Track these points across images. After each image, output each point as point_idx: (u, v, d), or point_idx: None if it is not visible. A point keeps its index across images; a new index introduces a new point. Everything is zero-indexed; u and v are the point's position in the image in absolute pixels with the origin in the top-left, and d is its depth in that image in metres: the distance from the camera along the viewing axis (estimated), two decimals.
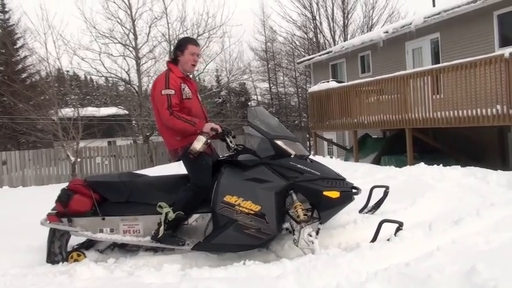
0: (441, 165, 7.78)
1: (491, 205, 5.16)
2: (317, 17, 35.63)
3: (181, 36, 23.02)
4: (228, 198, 4.67)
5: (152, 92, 5.12)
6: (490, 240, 3.93)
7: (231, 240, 4.65)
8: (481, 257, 3.41)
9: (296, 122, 39.85)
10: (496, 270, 2.98)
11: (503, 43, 12.88)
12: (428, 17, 14.86)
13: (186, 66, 5.04)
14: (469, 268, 3.10)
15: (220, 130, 4.88)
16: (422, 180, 6.85)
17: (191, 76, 5.36)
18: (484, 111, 10.17)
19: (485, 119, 10.17)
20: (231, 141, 4.98)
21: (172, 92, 4.81)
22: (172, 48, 23.80)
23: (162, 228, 4.77)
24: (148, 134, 23.55)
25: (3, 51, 32.50)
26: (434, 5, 21.03)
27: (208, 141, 4.78)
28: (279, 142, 4.88)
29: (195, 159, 4.76)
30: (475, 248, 3.79)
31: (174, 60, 5.09)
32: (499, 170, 7.03)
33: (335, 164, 8.04)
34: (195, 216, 4.92)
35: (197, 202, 4.85)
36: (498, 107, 9.87)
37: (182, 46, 5.05)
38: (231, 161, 4.95)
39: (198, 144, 4.69)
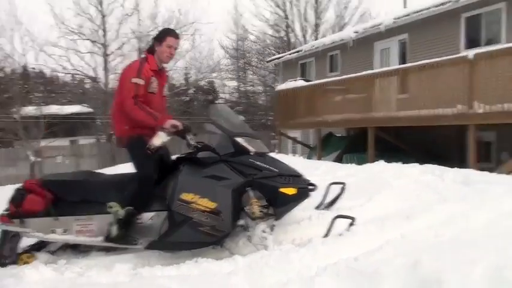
0: (400, 163, 7.87)
1: (445, 201, 5.24)
2: (289, 16, 35.84)
3: (152, 33, 22.90)
4: (184, 196, 4.62)
5: (121, 77, 5.05)
6: (439, 234, 4.00)
7: (185, 238, 4.61)
8: (429, 250, 3.45)
9: (263, 120, 39.89)
10: (440, 263, 3.02)
11: (469, 45, 13.22)
12: (398, 18, 15.10)
13: (162, 57, 5.01)
14: (415, 260, 3.13)
15: (180, 127, 4.84)
16: (381, 178, 6.89)
17: (166, 68, 5.30)
18: (445, 110, 10.38)
19: (446, 119, 10.38)
20: (191, 139, 4.93)
21: (142, 82, 4.79)
22: (141, 45, 23.87)
23: (114, 227, 4.71)
24: (111, 132, 23.25)
25: None
26: (405, 6, 21.34)
27: (167, 139, 4.74)
28: (238, 139, 4.87)
29: (140, 150, 4.71)
30: (423, 241, 3.84)
31: (151, 50, 5.04)
32: (456, 168, 7.15)
33: (297, 162, 8.06)
34: (150, 214, 4.87)
35: (145, 195, 4.80)
36: (459, 106, 10.10)
37: (161, 37, 5.01)
38: (191, 159, 4.92)
39: (158, 140, 4.65)
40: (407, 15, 14.79)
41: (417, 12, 14.41)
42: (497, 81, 9.51)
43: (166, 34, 5.06)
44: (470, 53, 10.24)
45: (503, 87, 9.39)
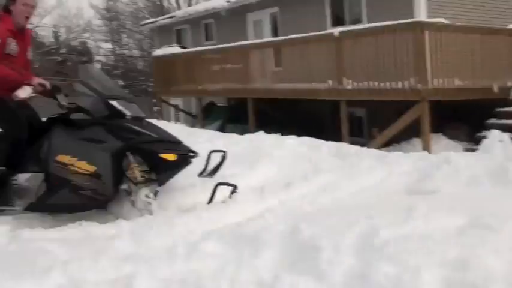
0: (279, 134, 8.19)
1: (319, 171, 5.58)
2: None
3: None
4: (60, 158, 4.46)
5: None
6: (314, 202, 4.28)
7: (65, 200, 4.51)
8: (305, 217, 3.69)
9: (144, 86, 39.02)
10: (316, 228, 3.25)
11: (336, 23, 13.82)
12: None
13: (18, 17, 4.69)
14: (293, 227, 3.35)
15: (48, 86, 4.65)
16: (261, 148, 7.12)
17: (27, 28, 4.96)
18: (318, 85, 10.87)
19: (320, 93, 10.88)
20: (62, 99, 4.74)
21: None
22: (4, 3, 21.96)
23: None
24: None
25: None
26: None
27: (34, 94, 4.55)
28: (113, 102, 4.77)
29: (4, 111, 4.55)
30: (300, 209, 4.10)
31: (6, 9, 4.70)
32: (330, 141, 7.58)
33: (180, 130, 8.05)
34: (26, 175, 4.67)
35: (16, 154, 4.61)
36: (330, 82, 10.61)
37: None
38: (64, 120, 4.76)
39: (23, 93, 4.51)
40: None
41: None
42: (361, 60, 10.05)
43: None
44: (336, 30, 10.71)
45: (366, 65, 9.94)
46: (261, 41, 13.31)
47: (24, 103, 4.74)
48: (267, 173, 5.84)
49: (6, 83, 4.53)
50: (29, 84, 4.52)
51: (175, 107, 19.32)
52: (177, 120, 19.02)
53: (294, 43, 11.54)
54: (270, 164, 6.20)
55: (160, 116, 16.97)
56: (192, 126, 14.33)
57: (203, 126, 14.24)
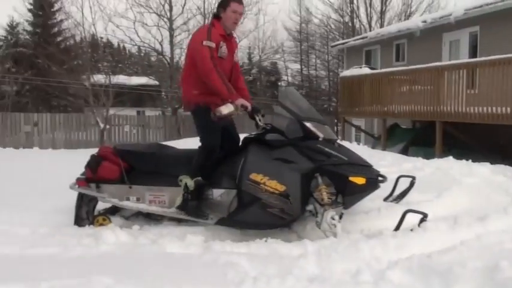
0: (470, 160, 7.69)
1: None
2: (355, 1, 35.15)
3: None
4: (254, 176, 4.69)
5: (191, 42, 5.11)
6: None
7: (254, 218, 4.69)
8: (506, 254, 3.38)
9: (325, 106, 39.60)
10: None
11: None
12: (469, 9, 14.54)
13: (227, 23, 5.01)
14: (492, 265, 3.08)
15: (249, 108, 4.88)
16: (450, 174, 6.76)
17: (234, 34, 5.32)
18: None
19: None
20: (260, 120, 4.98)
21: (213, 45, 4.81)
22: (206, 21, 24.08)
23: (179, 198, 4.88)
24: (176, 106, 23.66)
25: (41, 13, 32.91)
26: None
27: (235, 113, 4.79)
28: (308, 124, 4.86)
29: (204, 120, 4.83)
30: (499, 245, 3.76)
31: (217, 17, 5.06)
32: None
33: (362, 151, 7.97)
34: (220, 191, 4.96)
35: (209, 165, 4.90)
36: None
37: (224, 3, 5.00)
38: (259, 140, 4.98)
39: (226, 109, 4.67)
40: (480, 6, 14.20)
41: (489, 4, 13.82)
42: None
43: (231, 0, 5.02)
44: None
45: None
46: (457, 62, 12.63)
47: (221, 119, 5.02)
48: (457, 202, 5.49)
49: (215, 92, 4.82)
50: (232, 103, 4.76)
51: (358, 127, 19.25)
52: (357, 140, 18.90)
53: (494, 64, 10.74)
54: (461, 193, 5.82)
55: (341, 136, 17.03)
56: (373, 147, 14.13)
57: (384, 148, 13.95)
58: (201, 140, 4.98)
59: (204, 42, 4.79)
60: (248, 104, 4.85)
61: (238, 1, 5.05)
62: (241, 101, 4.79)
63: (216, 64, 4.76)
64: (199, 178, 4.86)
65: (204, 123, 4.92)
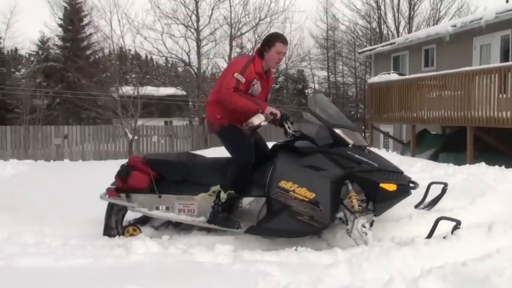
0: (503, 166, 7.53)
1: None
2: (382, 7, 35.01)
3: (243, 20, 23.11)
4: (283, 184, 4.67)
5: (226, 69, 5.17)
6: None
7: (284, 225, 4.66)
8: None
9: (352, 112, 39.40)
10: None
11: None
12: (501, 13, 14.30)
13: (269, 62, 5.01)
14: None
15: (279, 115, 4.86)
16: (483, 180, 6.64)
17: (272, 72, 5.30)
18: None
19: None
20: (289, 127, 4.96)
21: (243, 80, 4.79)
22: (233, 31, 24.29)
23: (217, 210, 4.88)
24: (204, 115, 23.80)
25: (70, 28, 33.61)
26: (507, 1, 20.22)
27: (265, 122, 4.78)
28: (337, 131, 4.82)
29: (231, 136, 4.84)
30: None
31: (260, 54, 5.02)
32: None
33: (391, 157, 7.88)
34: (249, 199, 4.95)
35: (244, 180, 4.89)
36: None
37: (270, 42, 4.95)
38: (288, 147, 4.95)
39: (257, 120, 4.68)
40: (511, 10, 13.97)
41: None
42: None
43: (276, 40, 4.98)
44: None
45: None
46: (486, 67, 12.40)
47: (253, 130, 5.01)
48: (491, 209, 5.37)
49: (243, 113, 4.81)
50: (262, 113, 4.76)
51: (386, 133, 19.06)
52: (386, 147, 18.72)
53: None
54: (495, 199, 5.70)
55: (370, 142, 16.88)
56: (402, 153, 13.96)
57: (414, 155, 13.77)
58: (233, 157, 4.97)
59: (235, 75, 4.80)
60: (277, 111, 4.84)
61: (283, 41, 5.02)
62: (270, 109, 4.79)
63: (238, 89, 4.76)
64: (232, 192, 4.85)
65: (233, 140, 4.94)
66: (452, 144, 13.52)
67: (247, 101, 4.77)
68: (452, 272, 3.32)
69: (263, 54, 4.97)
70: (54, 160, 17.40)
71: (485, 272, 3.19)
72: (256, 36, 23.10)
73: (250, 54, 5.22)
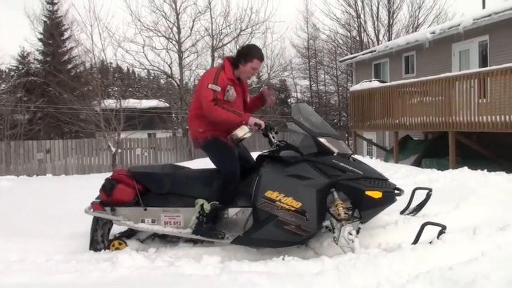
0: (485, 170, 7.61)
1: None
2: (361, 16, 35.33)
3: (224, 31, 23.16)
4: (269, 194, 4.67)
5: (199, 83, 5.17)
6: None
7: (270, 235, 4.65)
8: None
9: (335, 120, 39.60)
10: None
11: None
12: (478, 19, 14.53)
13: (242, 75, 5.05)
14: None
15: (263, 126, 4.88)
16: (466, 185, 6.71)
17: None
18: None
19: None
20: (273, 137, 4.98)
21: (219, 89, 4.82)
22: (215, 42, 24.36)
23: (193, 218, 4.85)
24: (187, 127, 23.72)
25: (51, 42, 33.39)
26: (484, 7, 20.55)
27: (250, 134, 4.78)
28: (322, 139, 4.84)
29: (216, 149, 4.83)
30: None
31: (233, 62, 5.04)
32: None
33: (375, 165, 7.97)
34: (236, 210, 4.94)
35: (230, 191, 4.87)
36: None
37: (248, 57, 4.98)
38: (273, 157, 4.96)
39: (241, 132, 4.71)
40: (488, 15, 14.17)
41: (498, 13, 13.78)
42: None
43: (254, 56, 5.00)
44: None
45: None
46: (466, 72, 12.56)
47: (238, 142, 5.01)
48: (475, 212, 5.44)
49: (226, 124, 4.84)
50: (246, 124, 4.78)
51: (369, 141, 19.19)
52: (369, 154, 18.84)
53: (505, 72, 10.65)
54: (478, 203, 5.78)
55: (353, 150, 16.95)
56: (385, 160, 14.07)
57: (397, 161, 13.87)
58: (220, 169, 4.96)
59: (210, 86, 4.83)
60: (261, 122, 4.86)
61: (260, 59, 5.07)
62: (253, 120, 4.81)
63: (218, 102, 4.79)
64: (217, 202, 4.83)
65: (218, 152, 4.93)
66: (435, 149, 13.66)
67: (229, 114, 4.79)
68: (439, 276, 3.34)
69: (237, 64, 5.00)
70: (37, 175, 17.26)
71: (472, 275, 3.23)
72: (237, 47, 23.14)
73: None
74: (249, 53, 5.02)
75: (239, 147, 5.07)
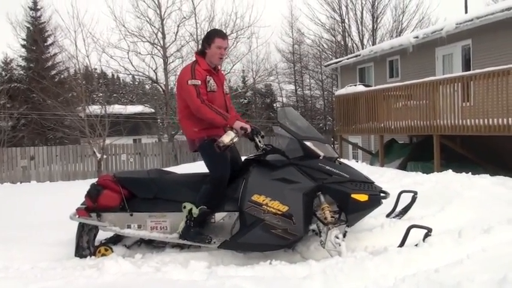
0: (469, 173, 7.68)
1: None
2: (346, 20, 35.50)
3: None
4: (255, 198, 4.67)
5: (178, 83, 5.16)
6: None
7: (257, 239, 4.65)
8: None
9: (321, 125, 39.69)
10: None
11: None
12: (461, 23, 14.68)
13: (212, 59, 5.06)
14: (501, 277, 3.05)
15: (249, 130, 4.88)
16: (451, 188, 6.75)
17: (220, 68, 5.36)
18: None
19: None
20: (259, 141, 4.98)
21: (199, 82, 4.85)
22: (199, 47, 24.18)
23: (182, 223, 4.83)
24: (173, 132, 23.70)
25: (34, 48, 33.15)
26: (466, 12, 20.78)
27: (236, 139, 4.79)
28: (308, 143, 4.86)
29: (211, 152, 4.79)
30: (506, 257, 3.72)
31: (201, 53, 5.11)
32: None
33: (361, 168, 7.97)
34: (222, 214, 4.93)
35: (219, 195, 4.87)
36: None
37: (209, 39, 5.06)
38: (259, 161, 4.96)
39: (227, 138, 4.69)
40: (470, 20, 14.33)
41: (480, 17, 13.95)
42: None
43: (215, 35, 5.11)
44: None
45: None
46: (449, 76, 12.67)
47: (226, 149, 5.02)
48: (460, 215, 5.48)
49: (210, 124, 4.87)
50: (231, 129, 4.77)
51: (355, 144, 19.28)
52: (355, 158, 18.92)
53: (488, 76, 10.77)
54: (463, 206, 5.81)
55: (339, 154, 17.01)
56: (371, 164, 14.15)
57: (383, 164, 13.95)
58: (210, 172, 4.95)
59: (189, 82, 4.86)
60: (247, 126, 4.87)
61: (222, 36, 5.15)
62: (239, 124, 4.81)
63: (204, 100, 4.81)
64: (205, 207, 4.82)
65: (212, 155, 4.89)
66: (420, 153, 13.76)
67: (215, 115, 4.81)
68: (425, 279, 3.35)
69: (204, 52, 5.05)
70: (21, 182, 17.07)
71: (457, 277, 3.24)
72: None
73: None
74: (209, 36, 5.13)
75: (231, 150, 5.07)
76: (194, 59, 5.16)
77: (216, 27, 23.23)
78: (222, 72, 5.47)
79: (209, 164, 4.99)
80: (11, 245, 5.47)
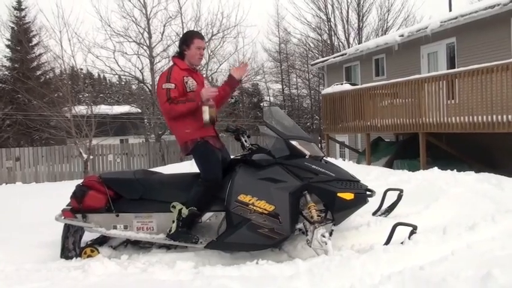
0: (455, 170, 7.73)
1: (507, 211, 5.11)
2: (332, 19, 35.52)
3: None
4: (242, 197, 4.68)
5: (157, 90, 5.23)
6: (506, 246, 3.89)
7: (244, 239, 4.66)
8: (497, 262, 3.38)
9: (308, 124, 39.76)
10: None
11: None
12: (445, 21, 14.77)
13: (192, 60, 5.08)
14: (484, 273, 3.07)
15: (217, 93, 4.91)
16: (436, 185, 6.79)
17: (199, 68, 5.37)
18: (500, 117, 10.03)
19: (501, 126, 10.03)
20: (245, 141, 5.00)
21: (172, 86, 4.85)
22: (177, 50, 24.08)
23: (174, 224, 4.80)
24: (160, 132, 23.62)
25: (19, 48, 32.80)
26: (450, 10, 20.93)
27: (213, 108, 4.81)
28: (294, 142, 4.88)
29: (204, 154, 4.80)
30: (490, 253, 3.76)
31: (180, 54, 5.11)
32: None
33: (348, 167, 7.98)
34: (209, 214, 4.94)
35: (209, 197, 4.87)
36: None
37: (188, 40, 5.07)
38: (246, 160, 4.96)
39: (206, 115, 4.74)
40: (455, 18, 14.42)
41: (464, 15, 14.04)
42: None
43: (193, 37, 5.12)
44: None
45: None
46: (434, 74, 12.74)
47: (221, 146, 5.07)
48: (445, 212, 5.52)
49: (192, 114, 4.85)
50: (203, 103, 4.77)
51: (342, 143, 19.34)
52: (342, 156, 18.98)
53: (472, 74, 10.85)
54: (448, 203, 5.87)
55: (326, 152, 17.06)
56: (358, 162, 14.20)
57: (369, 163, 14.01)
58: (202, 173, 4.93)
59: (163, 86, 4.88)
60: (212, 91, 4.90)
61: (200, 37, 5.18)
62: (205, 95, 4.81)
63: (172, 99, 4.81)
64: (195, 208, 4.80)
65: (205, 157, 4.90)
66: (406, 150, 13.82)
67: (186, 104, 4.82)
68: (410, 276, 3.37)
69: (183, 54, 5.07)
70: (6, 183, 16.95)
71: (442, 274, 3.26)
72: (209, 52, 23.13)
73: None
74: (187, 37, 5.15)
75: (223, 151, 5.07)
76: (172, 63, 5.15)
77: (202, 27, 23.26)
78: (201, 73, 5.48)
79: (202, 166, 4.97)
80: None
